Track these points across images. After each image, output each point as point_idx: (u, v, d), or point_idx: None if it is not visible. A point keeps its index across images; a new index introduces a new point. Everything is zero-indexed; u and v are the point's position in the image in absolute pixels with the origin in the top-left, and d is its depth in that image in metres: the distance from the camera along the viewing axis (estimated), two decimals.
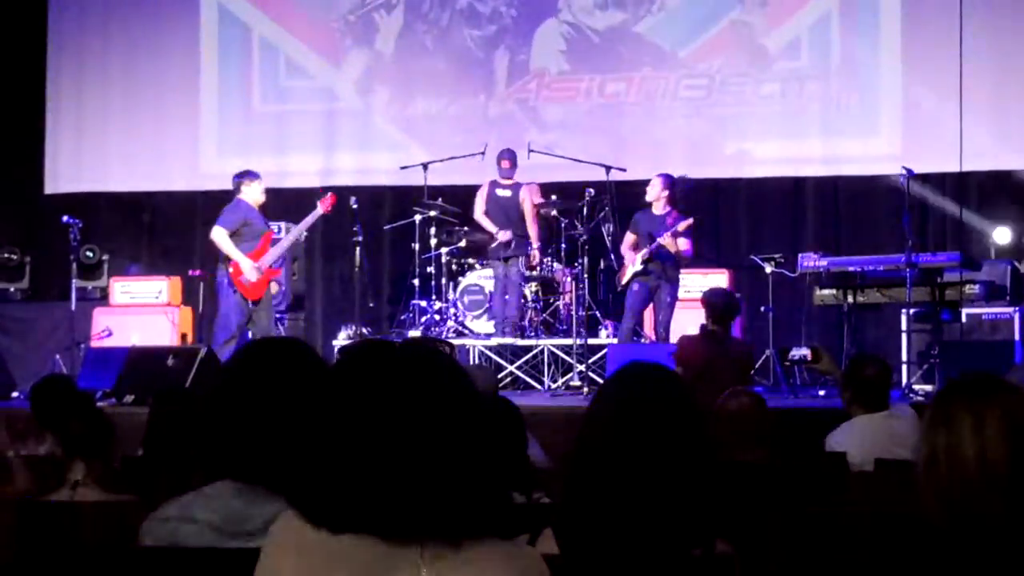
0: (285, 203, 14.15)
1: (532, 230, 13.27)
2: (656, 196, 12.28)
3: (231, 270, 11.79)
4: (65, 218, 13.23)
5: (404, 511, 2.17)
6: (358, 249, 13.02)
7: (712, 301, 9.80)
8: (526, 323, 13.17)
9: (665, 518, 2.95)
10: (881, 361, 6.77)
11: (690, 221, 12.05)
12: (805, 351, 7.78)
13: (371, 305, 13.39)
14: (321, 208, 12.30)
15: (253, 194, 12.09)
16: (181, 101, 15.45)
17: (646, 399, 3.03)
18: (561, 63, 14.93)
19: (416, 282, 13.33)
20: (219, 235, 11.88)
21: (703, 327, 9.74)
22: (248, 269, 11.79)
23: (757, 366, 12.39)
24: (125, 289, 14.12)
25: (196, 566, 2.96)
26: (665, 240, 11.97)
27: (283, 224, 13.88)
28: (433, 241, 13.37)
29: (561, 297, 13.44)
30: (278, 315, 13.60)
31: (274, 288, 12.56)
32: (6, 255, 15.05)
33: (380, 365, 2.27)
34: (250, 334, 11.79)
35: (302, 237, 12.98)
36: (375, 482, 2.17)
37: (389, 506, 2.17)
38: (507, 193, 13.25)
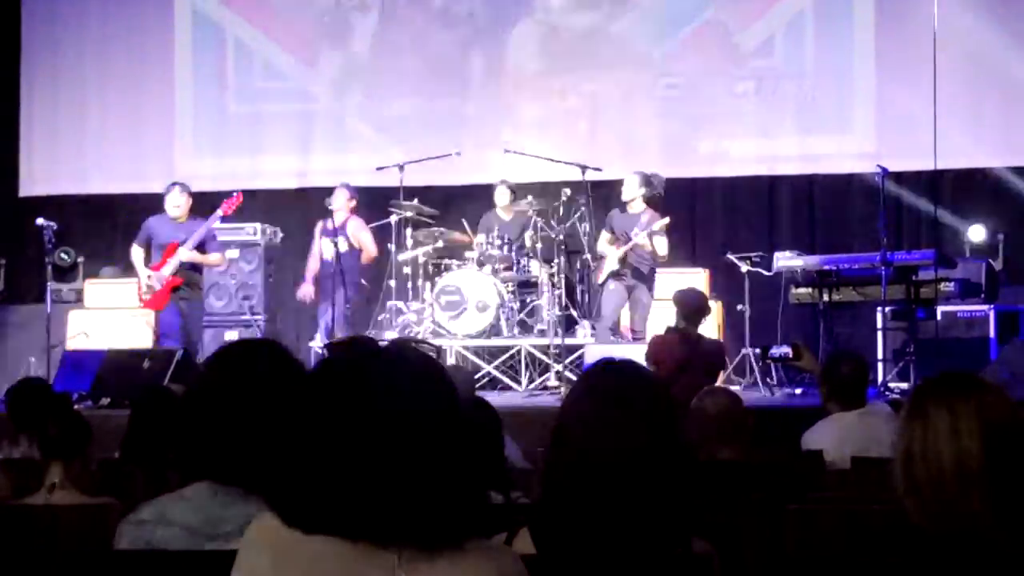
0: (260, 205, 14.15)
1: None
2: (633, 195, 12.33)
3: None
4: (39, 220, 13.17)
5: (379, 514, 2.17)
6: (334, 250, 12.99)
7: (683, 301, 9.84)
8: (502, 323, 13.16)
9: (641, 516, 2.95)
10: (858, 358, 6.79)
11: (666, 221, 12.09)
12: (786, 348, 7.78)
13: (347, 306, 13.35)
14: (221, 210, 12.28)
15: (167, 207, 12.24)
16: (156, 103, 15.42)
17: (618, 395, 3.03)
18: (536, 63, 14.93)
19: (392, 283, 13.31)
20: (132, 253, 12.31)
21: (673, 327, 9.78)
22: (144, 280, 12.07)
23: (734, 364, 12.43)
24: (101, 291, 14.08)
25: (172, 569, 2.95)
26: (640, 239, 12.00)
27: (257, 225, 13.87)
28: (409, 242, 13.35)
29: (538, 297, 13.45)
30: (255, 316, 13.57)
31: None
32: None
33: (364, 365, 2.26)
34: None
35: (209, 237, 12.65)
36: (350, 483, 2.17)
37: (364, 509, 2.17)
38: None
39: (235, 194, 12.45)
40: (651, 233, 12.03)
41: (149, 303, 12.09)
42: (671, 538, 2.98)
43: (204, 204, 12.53)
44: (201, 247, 12.07)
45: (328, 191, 13.51)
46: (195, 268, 12.25)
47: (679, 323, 9.74)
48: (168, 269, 11.94)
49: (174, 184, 12.37)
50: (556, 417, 3.09)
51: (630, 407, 3.00)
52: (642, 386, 3.08)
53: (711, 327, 12.50)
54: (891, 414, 6.38)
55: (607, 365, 3.16)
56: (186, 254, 11.99)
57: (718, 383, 10.24)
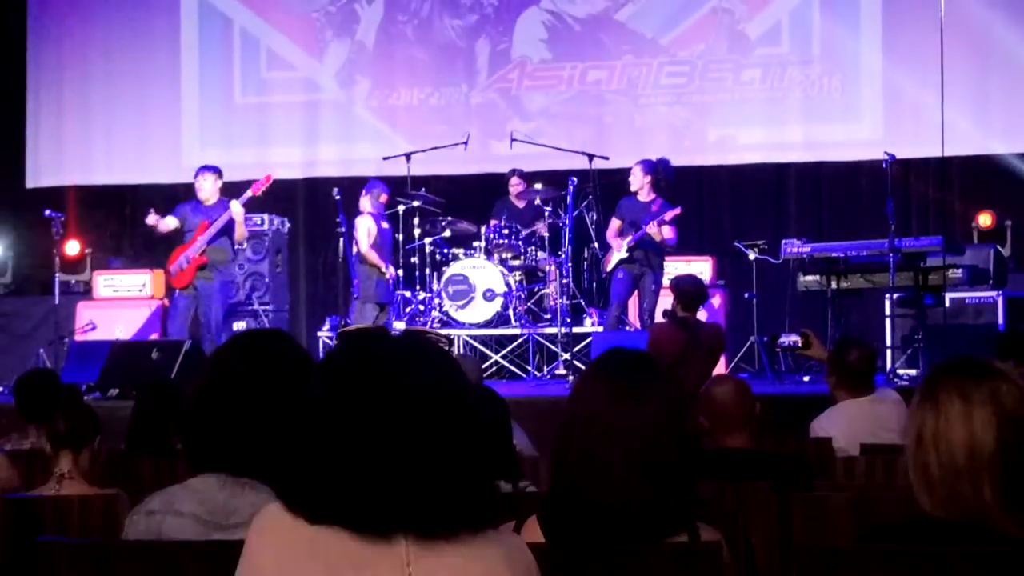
0: (267, 195, 14.13)
1: None
2: (640, 184, 12.34)
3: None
4: (47, 212, 13.21)
5: (389, 504, 2.17)
6: (342, 240, 13.01)
7: (681, 288, 9.87)
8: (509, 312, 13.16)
9: (650, 503, 2.97)
10: (865, 345, 6.78)
11: (677, 211, 12.07)
12: (795, 337, 7.77)
13: (355, 296, 13.36)
14: (251, 191, 12.22)
15: (198, 192, 12.18)
16: (162, 94, 15.43)
17: (628, 384, 3.04)
18: (543, 51, 14.93)
19: (400, 272, 13.32)
20: (166, 221, 12.17)
21: (672, 313, 9.79)
22: (174, 260, 12.02)
23: (742, 352, 12.44)
24: (108, 282, 14.09)
25: (181, 559, 2.96)
26: (651, 229, 12.00)
27: (264, 216, 13.88)
28: (416, 231, 13.35)
29: (546, 286, 13.45)
30: (262, 307, 13.58)
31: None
32: None
33: (375, 355, 2.26)
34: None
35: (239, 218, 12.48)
36: (360, 472, 2.16)
37: (374, 498, 2.16)
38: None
39: (265, 175, 12.43)
40: (661, 222, 12.02)
41: (176, 280, 12.05)
42: (677, 525, 3.00)
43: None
44: (231, 224, 12.03)
45: (336, 181, 13.53)
46: (226, 241, 12.12)
47: (678, 310, 9.77)
48: (196, 248, 11.91)
49: (204, 168, 12.29)
50: (565, 406, 3.10)
51: (639, 395, 3.02)
52: (651, 374, 3.09)
53: (719, 314, 12.54)
54: (899, 401, 6.38)
55: (616, 354, 3.18)
56: (237, 207, 11.93)
57: (719, 366, 10.30)
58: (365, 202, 12.80)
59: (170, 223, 12.10)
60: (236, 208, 11.94)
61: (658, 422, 3.00)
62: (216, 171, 12.25)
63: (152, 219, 12.15)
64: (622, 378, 3.07)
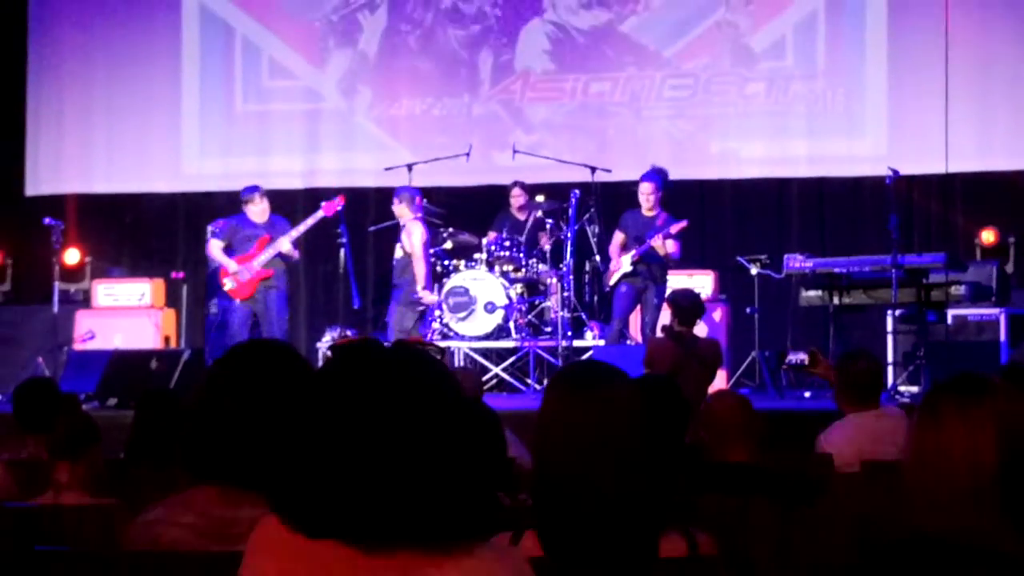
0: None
1: None
2: (653, 202, 12.20)
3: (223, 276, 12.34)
4: (47, 220, 13.20)
5: (385, 517, 2.14)
6: (342, 251, 13.00)
7: (678, 302, 9.88)
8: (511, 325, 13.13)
9: (632, 505, 3.01)
10: (871, 356, 6.79)
11: (684, 223, 12.03)
12: (803, 355, 7.76)
13: (355, 307, 13.35)
14: (323, 211, 12.33)
15: (251, 212, 12.42)
16: (163, 102, 15.42)
17: (586, 392, 3.11)
18: (546, 63, 14.92)
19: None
20: (211, 247, 12.53)
21: (669, 328, 9.79)
22: (233, 271, 12.15)
23: (743, 368, 12.41)
24: (108, 291, 14.06)
25: (180, 570, 2.94)
26: (655, 242, 11.96)
27: None
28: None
29: (547, 298, 13.42)
30: None
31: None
32: None
33: (366, 367, 2.23)
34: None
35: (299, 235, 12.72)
36: (352, 487, 2.14)
37: (366, 511, 2.14)
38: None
39: (338, 196, 12.56)
40: (667, 235, 11.98)
41: (236, 291, 12.22)
42: (665, 523, 3.02)
43: (213, 205, 12.54)
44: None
45: (336, 191, 13.51)
46: (283, 258, 12.42)
47: (674, 325, 9.77)
48: (260, 261, 12.07)
49: (254, 189, 12.48)
50: (535, 424, 3.17)
51: (600, 402, 3.09)
52: (608, 380, 3.15)
53: (720, 330, 12.51)
54: (903, 416, 6.37)
55: (571, 367, 3.27)
56: (286, 245, 12.26)
57: (720, 381, 10.30)
58: (404, 210, 12.76)
59: (219, 249, 12.38)
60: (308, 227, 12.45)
61: (623, 425, 3.05)
62: (264, 190, 12.49)
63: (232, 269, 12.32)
64: (579, 387, 3.14)
